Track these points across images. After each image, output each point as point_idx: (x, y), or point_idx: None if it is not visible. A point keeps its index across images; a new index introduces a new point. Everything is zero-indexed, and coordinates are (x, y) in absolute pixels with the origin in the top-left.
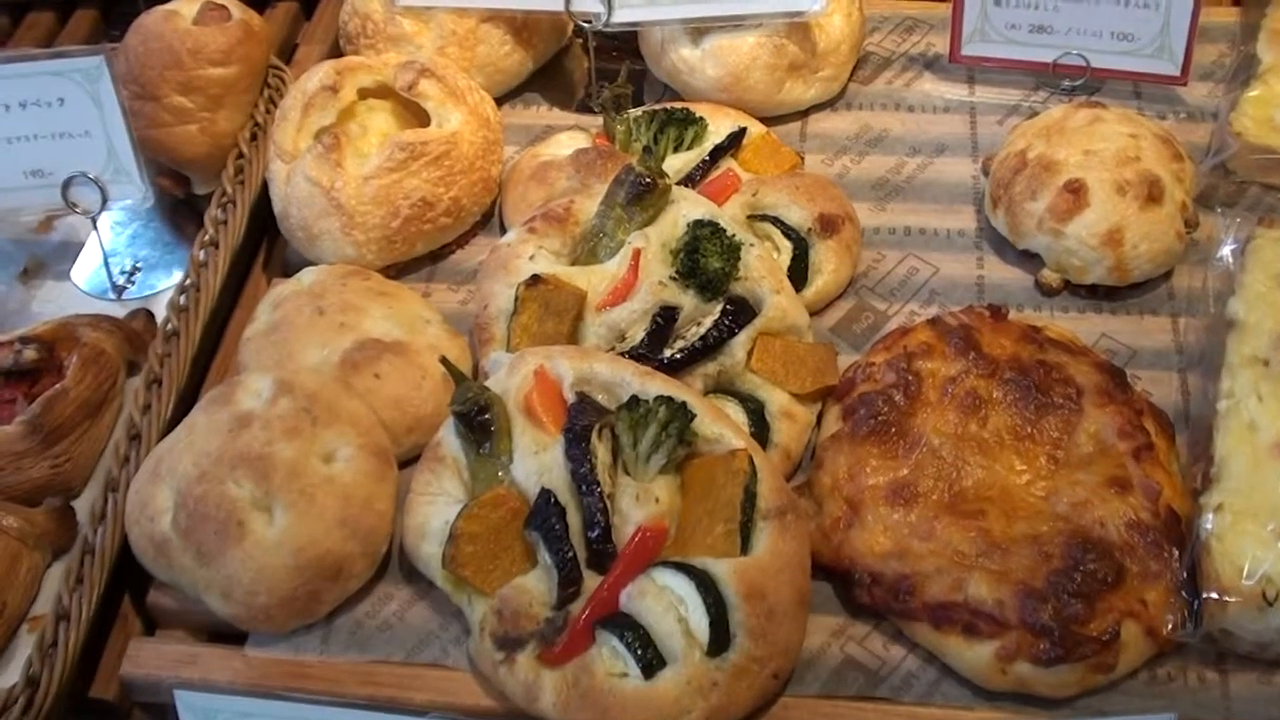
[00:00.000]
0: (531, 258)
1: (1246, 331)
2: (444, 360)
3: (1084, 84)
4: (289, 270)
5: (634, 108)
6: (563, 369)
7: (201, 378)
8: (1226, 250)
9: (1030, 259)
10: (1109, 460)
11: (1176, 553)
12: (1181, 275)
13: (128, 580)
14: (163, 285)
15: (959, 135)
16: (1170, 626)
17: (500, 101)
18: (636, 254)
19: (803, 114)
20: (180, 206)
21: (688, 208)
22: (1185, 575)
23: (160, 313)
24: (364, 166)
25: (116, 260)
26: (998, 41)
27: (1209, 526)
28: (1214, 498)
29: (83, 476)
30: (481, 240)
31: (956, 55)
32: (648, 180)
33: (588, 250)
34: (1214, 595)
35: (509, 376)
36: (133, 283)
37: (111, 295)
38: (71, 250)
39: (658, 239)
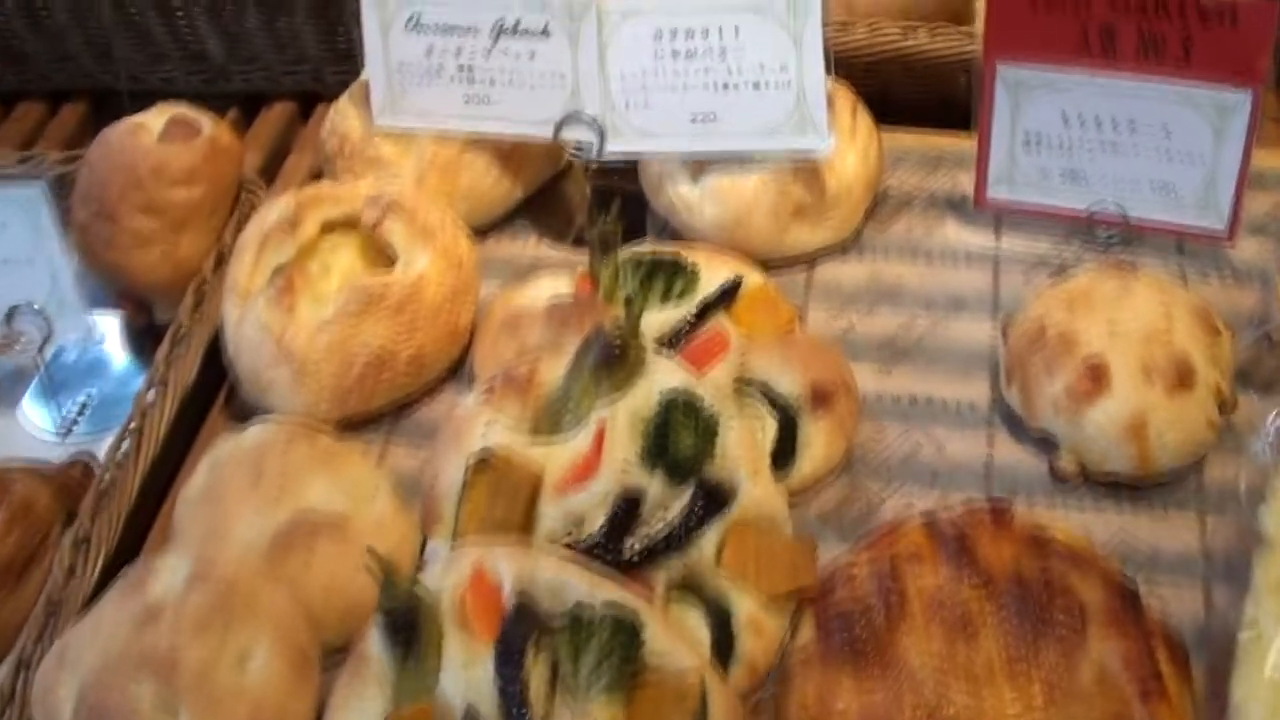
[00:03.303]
0: (486, 429)
1: (1276, 552)
2: (371, 552)
3: (1121, 237)
4: (247, 414)
5: (633, 241)
6: (503, 569)
7: (146, 531)
8: (1263, 443)
9: (1045, 441)
10: (1112, 698)
11: None
12: (1213, 465)
13: None
14: (115, 424)
15: (980, 290)
16: None
17: (486, 232)
18: (601, 430)
19: (810, 258)
20: (144, 332)
21: (662, 377)
22: None
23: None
24: (319, 312)
25: (68, 393)
26: (1027, 188)
27: None
28: None
29: (5, 645)
30: (448, 393)
31: (982, 200)
32: (618, 347)
33: (550, 420)
34: None
35: (445, 574)
36: (81, 420)
37: (56, 435)
38: (26, 378)
39: (626, 412)
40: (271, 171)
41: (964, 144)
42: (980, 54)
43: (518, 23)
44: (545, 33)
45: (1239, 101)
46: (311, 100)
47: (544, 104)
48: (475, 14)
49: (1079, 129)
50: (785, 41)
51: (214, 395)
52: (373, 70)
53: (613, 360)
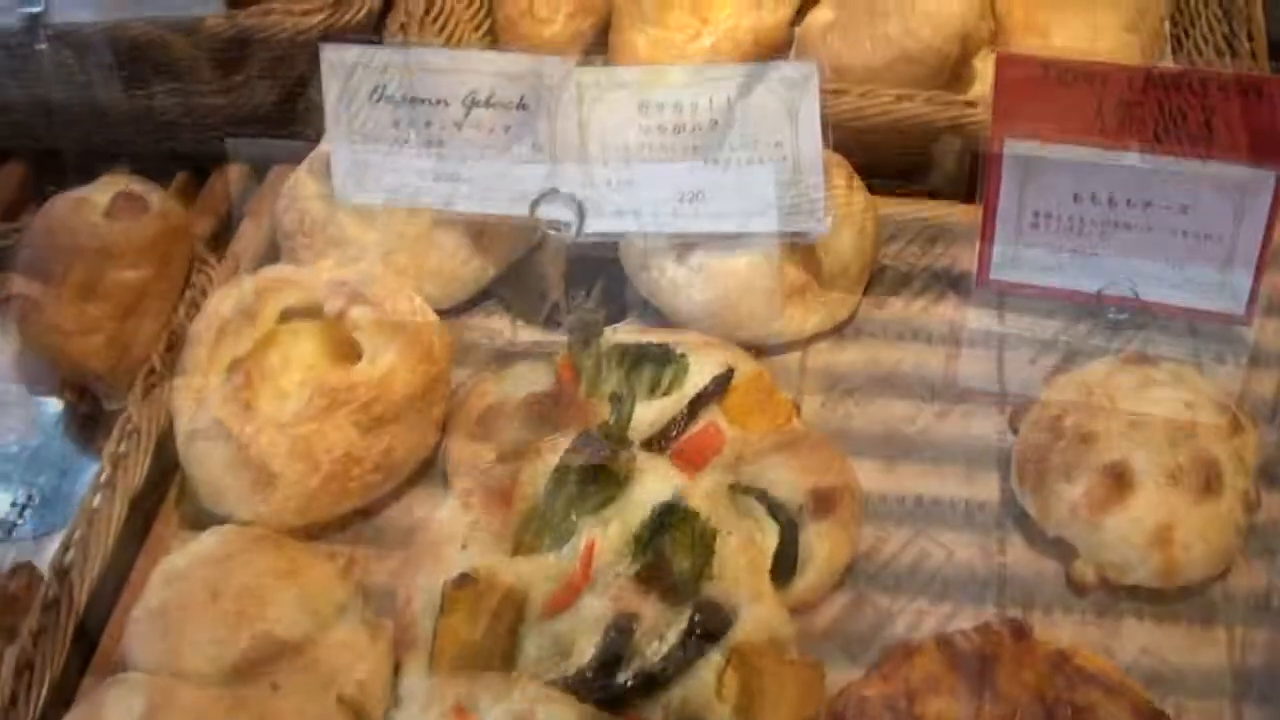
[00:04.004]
0: (464, 545)
1: None
2: (340, 699)
3: (1132, 318)
4: (201, 514)
5: (616, 323)
6: (484, 708)
7: (94, 645)
8: None
9: (1062, 546)
10: None
11: None
12: (1240, 571)
13: None
14: (61, 523)
15: (984, 375)
16: None
17: (456, 312)
18: (589, 546)
19: (804, 341)
20: (91, 419)
21: (655, 484)
22: None
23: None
24: (280, 411)
25: (8, 488)
26: (1033, 267)
27: None
28: None
29: None
30: (420, 492)
31: (985, 279)
32: (606, 453)
33: (534, 533)
34: None
35: (422, 715)
36: (23, 519)
37: None
38: None
39: (617, 525)
40: (225, 238)
41: (963, 214)
42: (983, 125)
43: (491, 94)
44: (521, 105)
45: (1262, 180)
46: (266, 164)
47: (519, 180)
48: (446, 85)
49: (1090, 207)
50: (780, 114)
51: (166, 485)
52: (335, 142)
53: (601, 468)
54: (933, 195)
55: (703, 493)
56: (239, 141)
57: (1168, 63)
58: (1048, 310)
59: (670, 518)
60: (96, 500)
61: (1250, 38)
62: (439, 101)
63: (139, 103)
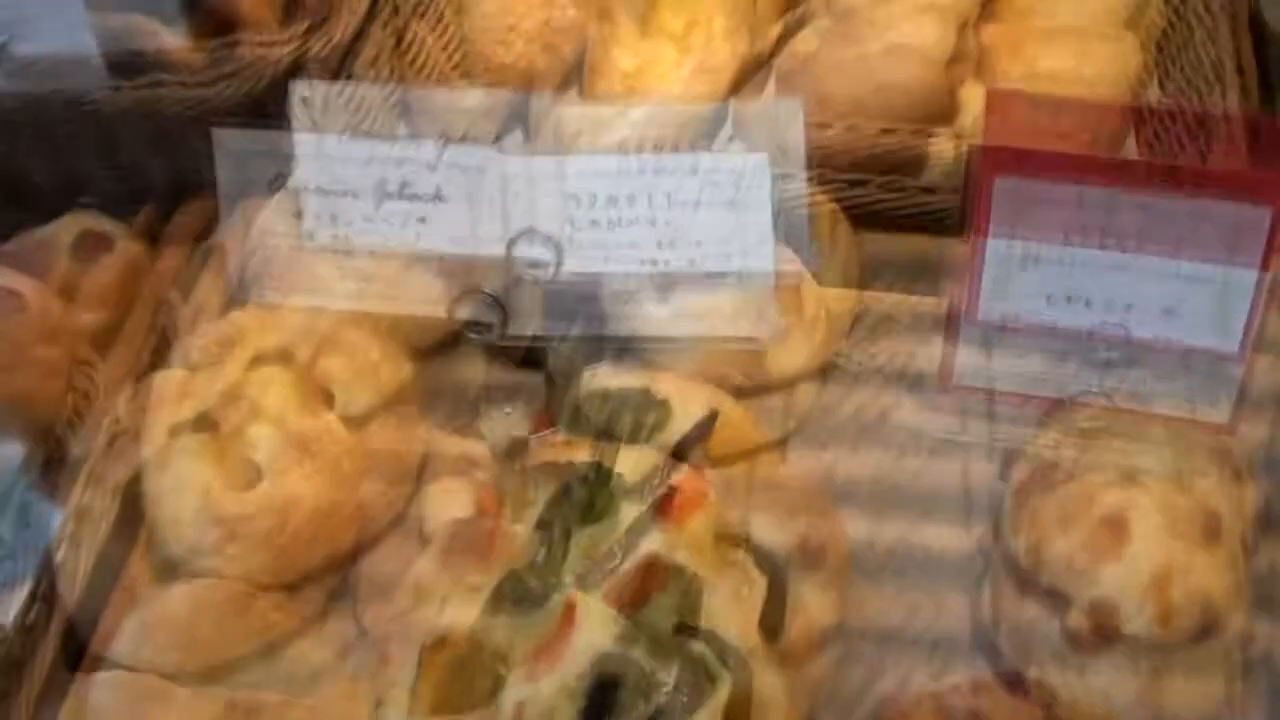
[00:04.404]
0: (442, 602)
1: None
2: None
3: (1123, 357)
4: (171, 567)
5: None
6: None
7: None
8: None
9: (1056, 596)
10: None
11: None
12: (1236, 617)
13: None
14: (25, 576)
15: (975, 418)
16: None
17: (430, 352)
18: (573, 600)
19: (789, 383)
20: (54, 466)
21: (641, 535)
22: None
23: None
24: (250, 463)
25: None
26: (1023, 305)
27: None
28: None
29: None
30: (395, 541)
31: (974, 317)
32: (591, 500)
33: (516, 587)
34: None
35: None
36: None
37: None
38: None
39: (602, 579)
40: (193, 275)
41: (947, 249)
42: (969, 159)
43: (465, 134)
44: (496, 145)
45: (1258, 217)
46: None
47: (494, 219)
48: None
49: (1082, 244)
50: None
51: (134, 534)
52: (303, 181)
53: (586, 517)
54: (920, 231)
55: (689, 542)
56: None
57: (1154, 91)
58: (1037, 348)
59: (657, 569)
60: (61, 554)
61: (1241, 71)
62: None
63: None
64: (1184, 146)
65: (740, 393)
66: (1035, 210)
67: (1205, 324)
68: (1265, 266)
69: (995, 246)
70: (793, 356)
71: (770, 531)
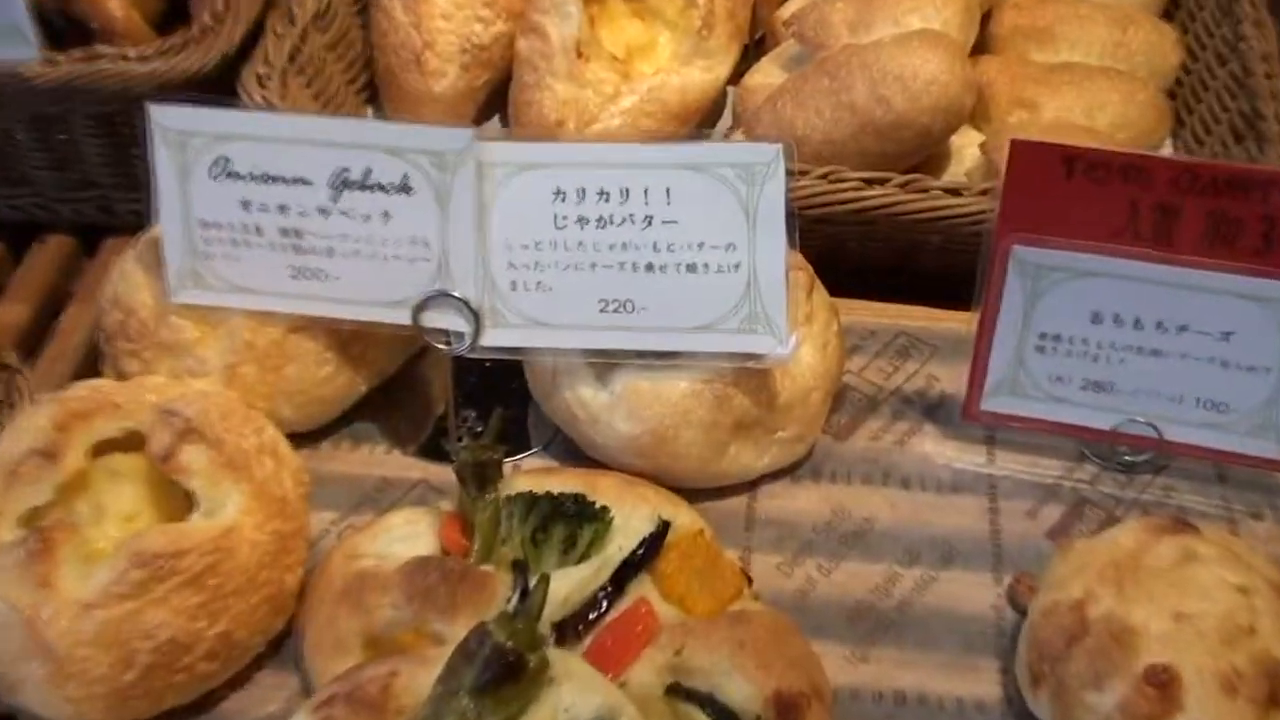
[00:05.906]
0: None
1: None
2: None
3: (1151, 462)
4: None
5: (515, 453)
6: None
7: None
8: None
9: None
10: None
11: None
12: None
13: None
14: None
15: (974, 532)
16: None
17: (318, 436)
18: None
19: (751, 483)
20: None
21: (574, 696)
22: None
23: None
24: (88, 583)
25: None
26: (1036, 398)
27: None
28: None
29: None
30: (267, 679)
31: (974, 411)
32: (512, 658)
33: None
34: None
35: None
36: None
37: None
38: None
39: None
40: (44, 327)
41: (940, 324)
42: (969, 219)
43: (367, 172)
44: (404, 187)
45: None
46: (97, 234)
47: (400, 280)
48: (309, 159)
49: (1112, 328)
50: (735, 211)
51: None
52: (168, 229)
53: (505, 678)
54: (907, 299)
55: (634, 698)
56: (64, 206)
57: (1166, 147)
58: (1047, 447)
59: None
60: None
61: None
62: (299, 180)
63: None
64: (1250, 220)
65: (694, 496)
66: (1058, 284)
67: (1252, 427)
68: None
69: (1006, 327)
70: (760, 452)
71: (736, 684)
